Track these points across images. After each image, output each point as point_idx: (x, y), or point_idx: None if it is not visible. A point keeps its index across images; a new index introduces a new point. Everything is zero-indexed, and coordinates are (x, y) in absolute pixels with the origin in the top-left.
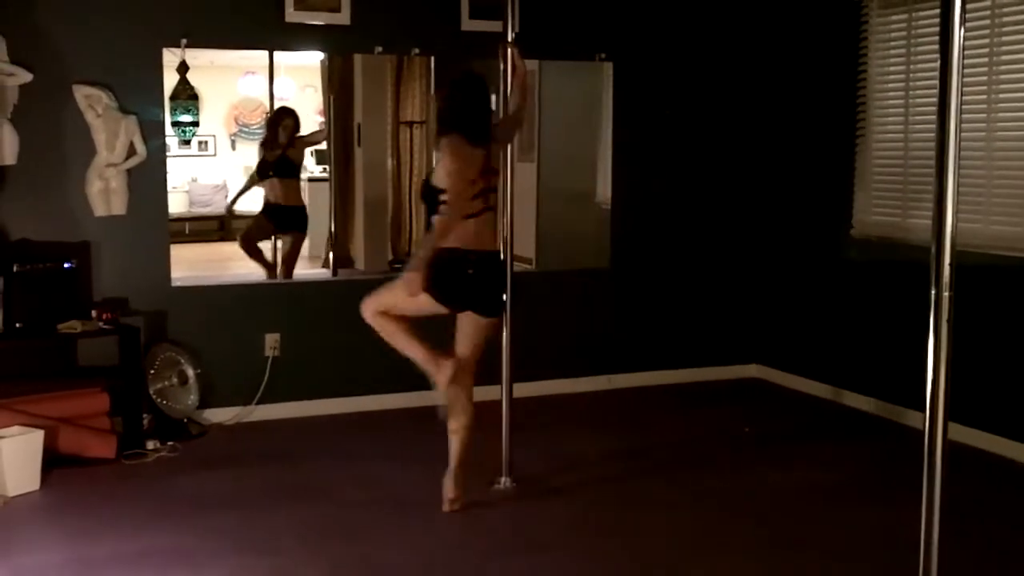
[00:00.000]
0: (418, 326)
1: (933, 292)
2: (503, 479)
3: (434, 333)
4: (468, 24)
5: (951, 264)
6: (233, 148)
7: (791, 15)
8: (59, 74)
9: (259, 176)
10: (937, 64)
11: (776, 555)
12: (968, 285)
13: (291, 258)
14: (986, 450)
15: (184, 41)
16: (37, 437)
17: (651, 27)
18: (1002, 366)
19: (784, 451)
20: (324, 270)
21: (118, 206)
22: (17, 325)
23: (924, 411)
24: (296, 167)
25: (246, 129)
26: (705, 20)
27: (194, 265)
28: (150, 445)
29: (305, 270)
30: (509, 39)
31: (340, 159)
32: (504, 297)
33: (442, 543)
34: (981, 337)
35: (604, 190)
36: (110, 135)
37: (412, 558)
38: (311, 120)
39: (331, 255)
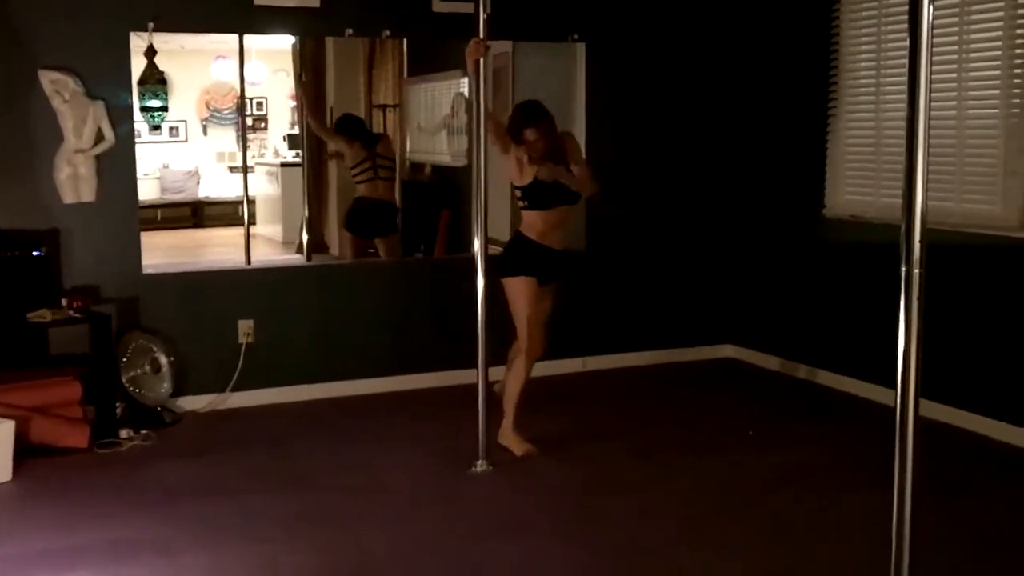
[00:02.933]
0: None
1: (903, 269)
2: (480, 462)
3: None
4: (439, 6)
5: (921, 241)
6: (205, 133)
7: None
8: (25, 59)
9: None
10: (907, 44)
11: (757, 536)
12: (940, 263)
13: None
14: (959, 427)
15: (151, 25)
16: (8, 427)
17: (623, 7)
18: (974, 343)
19: (761, 432)
20: (298, 256)
21: (87, 193)
22: None
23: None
24: None
25: (218, 114)
26: (677, 1)
27: (167, 252)
28: (123, 434)
29: (279, 255)
30: (480, 20)
31: (313, 144)
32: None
33: (422, 526)
34: (954, 314)
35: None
36: (78, 121)
37: (393, 542)
38: (284, 105)
39: (305, 240)
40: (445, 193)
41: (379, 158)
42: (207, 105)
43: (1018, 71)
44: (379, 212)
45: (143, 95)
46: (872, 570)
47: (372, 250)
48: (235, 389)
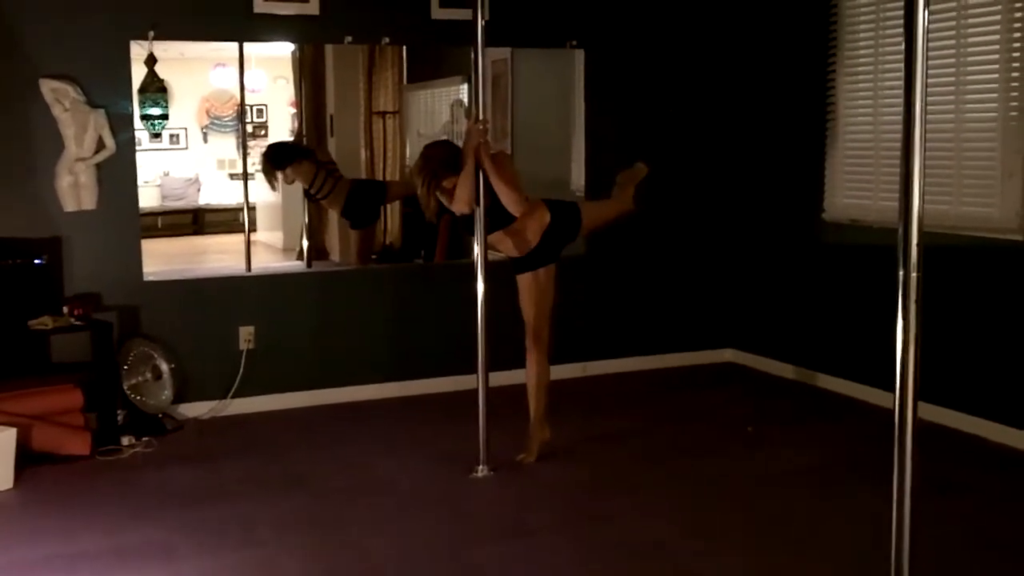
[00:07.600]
0: None
1: (901, 272)
2: (481, 467)
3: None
4: (438, 12)
5: (919, 244)
6: (205, 141)
7: (761, 1)
8: (25, 68)
9: None
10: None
11: (758, 535)
12: (938, 266)
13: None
14: (957, 429)
15: (151, 34)
16: (10, 435)
17: (621, 13)
18: (972, 346)
19: (762, 434)
20: (299, 262)
21: (88, 201)
22: None
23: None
24: None
25: (218, 122)
26: (675, 6)
27: (168, 259)
28: (125, 441)
29: (279, 262)
30: (479, 27)
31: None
32: None
33: (423, 530)
34: (952, 317)
35: (578, 178)
36: (78, 129)
37: (393, 546)
38: (284, 112)
39: (305, 247)
40: None
41: (327, 165)
42: (207, 113)
43: (1015, 73)
44: (374, 193)
45: (143, 103)
46: (871, 569)
47: (375, 256)
48: (236, 396)
